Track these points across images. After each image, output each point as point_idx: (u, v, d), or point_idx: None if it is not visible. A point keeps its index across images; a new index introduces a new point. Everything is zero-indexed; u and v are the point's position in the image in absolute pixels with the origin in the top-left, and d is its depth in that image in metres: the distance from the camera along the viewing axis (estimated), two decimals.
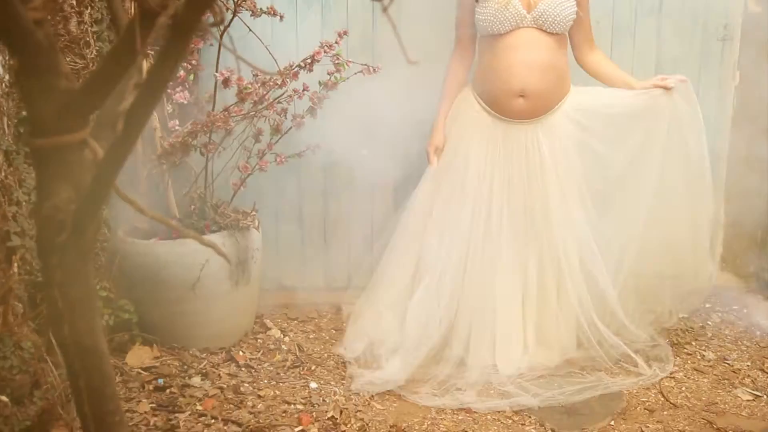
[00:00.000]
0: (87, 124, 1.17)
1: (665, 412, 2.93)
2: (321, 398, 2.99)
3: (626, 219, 3.29)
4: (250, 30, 3.10)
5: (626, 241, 3.30)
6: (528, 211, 3.22)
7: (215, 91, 3.25)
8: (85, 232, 1.20)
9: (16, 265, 2.32)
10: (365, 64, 3.34)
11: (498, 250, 3.21)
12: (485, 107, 3.21)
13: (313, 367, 3.26)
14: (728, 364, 3.30)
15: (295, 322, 3.69)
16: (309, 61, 3.24)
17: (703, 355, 3.36)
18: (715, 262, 3.89)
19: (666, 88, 3.17)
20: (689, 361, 3.31)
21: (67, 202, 1.14)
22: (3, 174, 2.35)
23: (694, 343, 3.45)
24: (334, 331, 3.61)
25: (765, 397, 3.04)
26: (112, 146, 1.04)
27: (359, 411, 2.91)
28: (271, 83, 3.21)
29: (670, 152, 3.23)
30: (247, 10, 3.14)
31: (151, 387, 2.99)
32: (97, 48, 2.86)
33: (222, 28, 2.12)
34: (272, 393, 3.01)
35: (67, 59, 2.79)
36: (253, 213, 3.41)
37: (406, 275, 3.34)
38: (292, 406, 2.93)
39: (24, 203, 2.42)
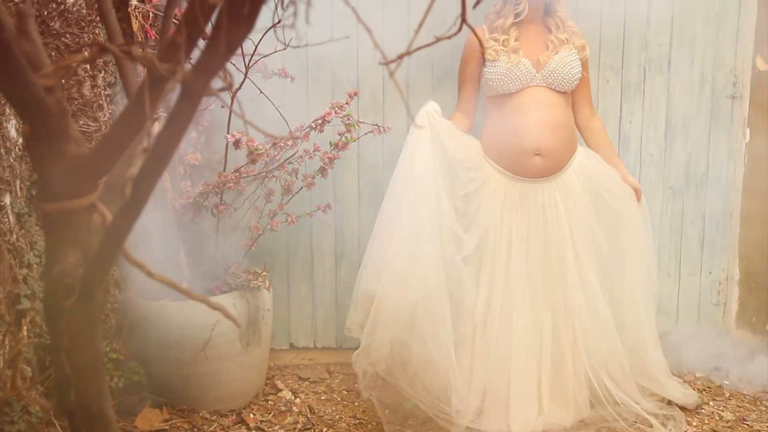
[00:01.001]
0: (96, 188, 1.17)
1: None
2: None
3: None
4: (261, 92, 3.12)
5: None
6: (545, 270, 3.19)
7: (226, 152, 3.27)
8: (93, 296, 1.19)
9: (25, 328, 2.32)
10: (375, 125, 3.36)
11: (515, 309, 3.18)
12: (498, 167, 3.20)
13: (324, 430, 3.21)
14: (747, 425, 3.23)
15: (307, 383, 3.66)
16: (320, 122, 3.26)
17: (722, 416, 3.30)
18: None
19: (635, 191, 3.34)
20: (707, 422, 3.25)
21: (75, 266, 1.13)
22: (14, 236, 2.36)
23: (711, 403, 3.39)
24: (345, 393, 3.57)
25: None
26: (120, 211, 1.03)
27: None
28: (281, 144, 3.22)
29: (634, 241, 3.34)
30: (258, 71, 3.18)
31: None
32: (110, 111, 2.89)
33: (232, 91, 2.14)
34: None
35: (80, 122, 2.82)
36: (264, 273, 3.40)
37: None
38: None
39: (35, 266, 2.42)
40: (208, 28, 0.99)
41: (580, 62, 3.21)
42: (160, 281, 1.18)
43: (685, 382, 3.49)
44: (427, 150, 3.09)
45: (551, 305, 3.20)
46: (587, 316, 3.19)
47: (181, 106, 0.95)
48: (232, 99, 2.75)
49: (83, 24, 2.82)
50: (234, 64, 2.96)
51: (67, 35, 2.80)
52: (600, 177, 3.26)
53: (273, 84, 3.28)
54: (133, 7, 2.96)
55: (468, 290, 3.16)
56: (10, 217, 2.37)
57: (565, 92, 3.20)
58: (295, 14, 0.86)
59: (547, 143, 3.13)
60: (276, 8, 1.15)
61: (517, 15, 3.16)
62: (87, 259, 1.15)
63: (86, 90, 2.85)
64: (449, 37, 1.04)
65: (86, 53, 2.13)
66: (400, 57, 1.00)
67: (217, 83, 1.01)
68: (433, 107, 3.16)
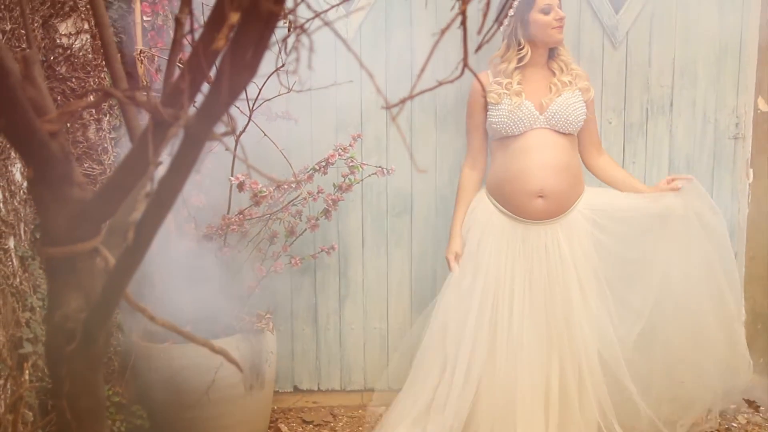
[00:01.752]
0: (99, 232, 1.17)
1: None
2: None
3: (641, 315, 3.25)
4: (265, 134, 3.14)
5: (643, 340, 3.25)
6: (549, 313, 3.18)
7: (230, 194, 3.28)
8: (95, 341, 1.18)
9: (27, 372, 2.30)
10: (379, 166, 3.37)
11: (520, 353, 3.15)
12: (502, 209, 3.20)
13: None
14: None
15: (311, 426, 3.62)
16: (323, 164, 3.27)
17: None
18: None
19: (675, 190, 3.19)
20: None
21: (77, 311, 1.13)
22: (18, 280, 2.36)
23: None
24: None
25: None
26: (122, 256, 1.03)
27: None
28: (285, 186, 3.23)
29: (690, 248, 3.21)
30: (262, 114, 3.20)
31: None
32: (115, 154, 2.91)
33: (236, 135, 2.15)
34: None
35: (85, 165, 2.83)
36: (268, 316, 3.39)
37: (434, 386, 3.27)
38: None
39: (38, 309, 2.41)
40: (213, 73, 1.00)
41: (584, 104, 3.23)
42: (162, 326, 1.17)
43: (693, 424, 3.44)
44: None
45: (557, 348, 3.18)
46: (595, 359, 3.16)
47: (184, 150, 0.95)
48: (236, 142, 2.76)
49: (89, 68, 2.85)
50: (238, 107, 2.98)
51: (73, 79, 2.83)
52: (609, 205, 3.24)
53: (277, 126, 3.30)
54: (138, 52, 2.99)
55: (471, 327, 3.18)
56: (14, 260, 2.37)
57: (569, 134, 3.21)
58: (297, 60, 0.87)
59: (551, 186, 3.13)
60: (279, 53, 1.16)
61: (520, 59, 3.19)
62: (89, 303, 1.15)
63: (91, 133, 2.87)
64: (452, 81, 1.04)
65: (91, 98, 2.15)
66: (402, 101, 1.01)
67: (220, 127, 1.01)
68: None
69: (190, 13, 1.05)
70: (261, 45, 0.89)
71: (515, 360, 3.15)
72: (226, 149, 2.98)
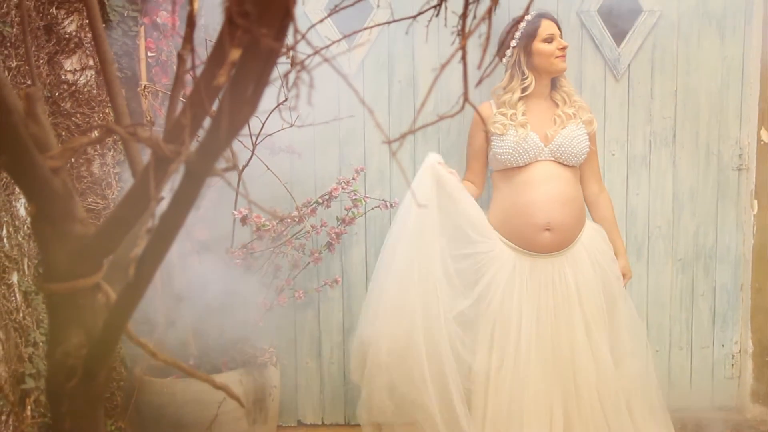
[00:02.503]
0: (100, 268, 1.17)
1: None
2: None
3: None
4: (268, 168, 3.15)
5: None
6: (555, 346, 3.15)
7: (234, 227, 3.28)
8: (96, 377, 1.18)
9: (29, 408, 2.29)
10: (382, 200, 3.37)
11: (525, 387, 3.12)
12: (507, 242, 3.19)
13: None
14: None
15: None
16: (327, 197, 3.28)
17: None
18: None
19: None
20: None
21: (78, 347, 1.13)
22: (21, 315, 2.35)
23: None
24: None
25: None
26: (123, 292, 1.03)
27: None
28: (288, 220, 3.23)
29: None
30: (266, 148, 3.21)
31: None
32: (119, 189, 2.92)
33: (238, 170, 2.16)
34: None
35: (89, 200, 2.84)
36: (271, 350, 3.37)
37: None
38: None
39: (41, 344, 2.41)
40: (215, 109, 1.00)
41: (588, 136, 3.23)
42: (163, 361, 1.17)
43: None
44: (429, 197, 3.08)
45: (562, 383, 3.15)
46: (598, 393, 3.13)
47: (185, 186, 0.95)
48: (239, 178, 2.77)
49: (93, 104, 2.87)
50: (241, 141, 2.99)
51: (78, 115, 2.84)
52: (599, 256, 3.26)
53: (280, 159, 3.31)
54: (142, 87, 3.01)
55: (459, 352, 3.13)
56: (17, 295, 2.36)
57: (573, 166, 3.21)
58: (297, 96, 0.87)
59: (557, 218, 3.13)
60: (281, 88, 1.17)
61: (524, 90, 3.20)
62: (90, 339, 1.14)
63: (95, 168, 2.88)
64: (452, 116, 1.05)
65: (95, 134, 2.16)
66: (403, 136, 1.01)
67: (222, 163, 1.02)
68: (435, 158, 3.16)
69: (192, 49, 1.05)
70: (261, 82, 0.90)
71: (521, 395, 3.12)
72: (229, 184, 2.96)
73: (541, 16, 3.22)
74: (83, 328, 1.15)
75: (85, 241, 1.14)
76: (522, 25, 3.19)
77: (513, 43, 3.21)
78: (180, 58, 1.19)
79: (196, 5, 1.23)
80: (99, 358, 1.13)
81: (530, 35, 3.19)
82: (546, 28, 3.19)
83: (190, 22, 1.10)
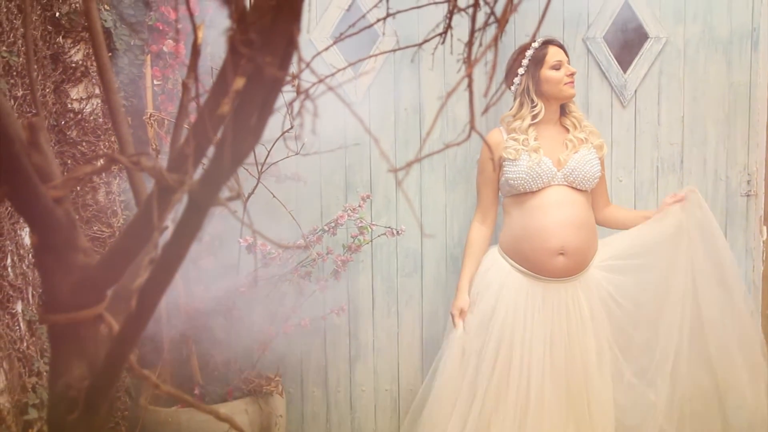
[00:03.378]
0: (103, 299, 1.16)
1: None
2: None
3: (666, 361, 3.18)
4: (274, 196, 3.14)
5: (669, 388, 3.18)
6: (569, 373, 3.12)
7: (239, 256, 3.27)
8: (98, 409, 1.16)
9: None
10: (389, 227, 3.36)
11: (540, 415, 3.09)
12: (520, 267, 3.17)
13: None
14: None
15: None
16: (333, 225, 3.27)
17: None
18: None
19: (680, 201, 3.19)
20: None
21: (79, 379, 1.11)
22: (25, 344, 2.34)
23: None
24: None
25: None
26: (126, 323, 1.02)
27: None
28: (294, 248, 3.22)
29: (699, 269, 3.17)
30: (272, 176, 3.20)
31: None
32: (124, 217, 2.91)
33: (243, 200, 2.14)
34: None
35: (94, 228, 2.83)
36: (277, 378, 3.35)
37: None
38: None
39: (45, 373, 2.39)
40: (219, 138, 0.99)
41: (599, 160, 3.22)
42: (166, 393, 1.15)
43: None
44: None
45: (576, 411, 3.11)
46: (612, 421, 3.09)
47: (188, 216, 0.94)
48: (244, 207, 2.76)
49: (99, 132, 2.87)
50: (247, 170, 2.99)
51: (83, 143, 2.85)
52: (619, 248, 3.23)
53: (287, 186, 3.30)
54: (148, 115, 3.02)
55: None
56: (21, 324, 2.35)
57: (585, 191, 3.20)
58: (301, 125, 0.86)
59: (571, 243, 3.10)
60: (285, 116, 1.16)
61: (534, 117, 3.19)
62: (93, 371, 1.13)
63: (101, 196, 2.88)
64: (458, 144, 1.03)
65: (99, 163, 2.15)
66: (409, 165, 1.00)
67: (226, 192, 1.01)
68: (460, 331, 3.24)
69: (196, 78, 1.05)
70: (265, 110, 0.89)
71: (535, 423, 3.08)
72: (235, 211, 2.96)
73: (549, 42, 3.21)
74: (85, 359, 1.13)
75: (87, 271, 1.13)
76: (529, 52, 3.19)
77: (521, 70, 3.20)
78: (184, 86, 1.18)
79: (200, 34, 1.23)
80: (101, 391, 1.12)
81: (538, 62, 3.18)
82: (554, 54, 3.19)
83: (195, 51, 1.09)
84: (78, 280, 1.12)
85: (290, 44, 0.84)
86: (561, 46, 3.24)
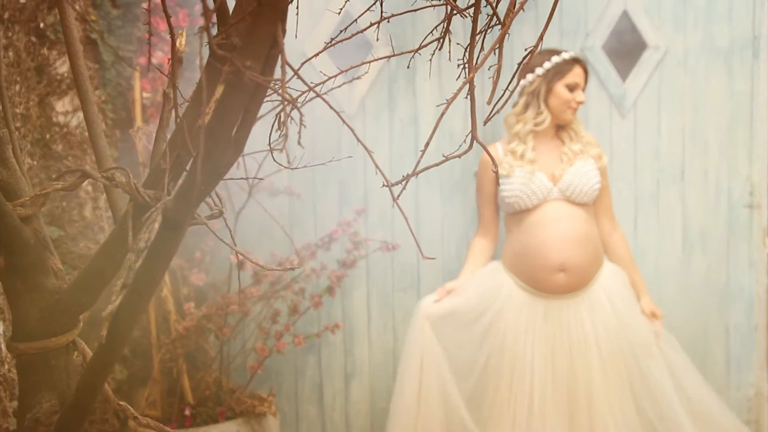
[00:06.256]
0: (76, 325, 1.07)
1: None
2: None
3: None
4: (266, 211, 3.07)
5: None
6: (571, 391, 3.04)
7: (230, 272, 3.19)
8: None
9: None
10: (384, 241, 3.29)
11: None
12: (521, 283, 3.09)
13: None
14: None
15: None
16: (327, 239, 3.19)
17: None
18: None
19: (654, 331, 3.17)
20: None
21: (49, 413, 1.02)
22: (6, 367, 2.25)
23: None
24: None
25: None
26: (96, 353, 0.93)
27: None
28: (288, 264, 3.15)
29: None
30: (264, 190, 3.13)
31: None
32: None
33: (225, 215, 2.06)
34: None
35: (81, 245, 2.75)
36: (270, 398, 3.26)
37: None
38: None
39: None
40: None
41: (598, 172, 3.14)
42: (145, 427, 1.06)
43: None
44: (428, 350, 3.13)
45: (579, 428, 3.03)
46: None
47: (162, 237, 0.86)
48: (234, 222, 2.69)
49: (85, 146, 2.79)
50: (239, 184, 2.92)
51: (69, 158, 2.76)
52: (620, 303, 3.15)
53: (280, 201, 3.24)
54: (136, 129, 2.94)
55: None
56: (2, 346, 2.26)
57: (585, 204, 3.12)
58: (285, 136, 0.78)
59: (572, 259, 3.02)
60: (272, 129, 1.08)
61: (537, 124, 3.11)
62: (63, 404, 1.04)
63: (87, 212, 2.79)
64: (459, 156, 0.96)
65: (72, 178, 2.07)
66: (406, 179, 0.92)
67: (206, 210, 0.92)
68: (426, 304, 3.15)
69: (174, 87, 0.97)
70: (247, 120, 0.81)
71: None
72: (227, 226, 2.90)
73: (577, 61, 3.12)
74: (56, 391, 1.05)
75: (58, 295, 1.04)
76: (556, 59, 3.10)
77: (539, 71, 3.11)
78: (165, 96, 1.10)
79: (182, 40, 1.15)
80: (73, 425, 1.03)
81: (558, 73, 3.10)
82: (576, 75, 3.10)
83: (174, 59, 1.01)
84: (48, 305, 1.03)
85: (274, 47, 0.75)
86: (586, 71, 3.16)
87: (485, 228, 3.27)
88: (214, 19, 0.80)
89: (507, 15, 0.79)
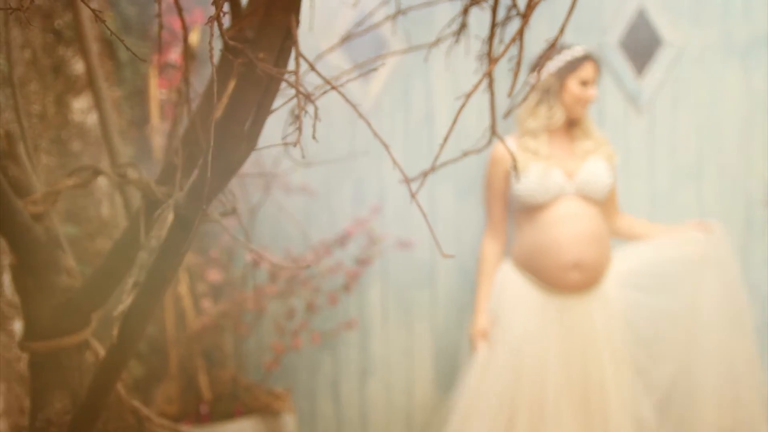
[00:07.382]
0: (88, 324, 1.06)
1: None
2: None
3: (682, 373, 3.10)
4: (282, 209, 3.06)
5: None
6: (585, 389, 3.02)
7: (247, 270, 3.19)
8: None
9: None
10: (400, 238, 3.28)
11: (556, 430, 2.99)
12: (534, 282, 3.07)
13: None
14: None
15: None
16: (343, 237, 3.19)
17: None
18: None
19: (703, 232, 3.14)
20: None
21: (61, 413, 1.01)
22: (22, 364, 2.25)
23: None
24: None
25: None
26: (109, 353, 0.92)
27: None
28: (303, 261, 3.15)
29: (714, 297, 3.11)
30: (279, 187, 3.12)
31: None
32: None
33: (240, 213, 2.05)
34: None
35: (98, 242, 2.75)
36: (286, 395, 3.26)
37: None
38: None
39: None
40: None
41: (610, 170, 3.12)
42: (159, 427, 1.05)
43: None
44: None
45: (594, 427, 3.01)
46: None
47: (174, 234, 0.84)
48: (249, 219, 2.68)
49: (102, 144, 2.78)
50: (255, 182, 2.91)
51: (86, 156, 2.76)
52: (640, 262, 3.14)
53: (295, 198, 3.23)
54: (151, 126, 2.94)
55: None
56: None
57: (597, 202, 3.09)
58: (300, 130, 0.76)
59: (586, 257, 3.00)
60: (286, 124, 1.06)
61: (549, 119, 3.09)
62: (76, 404, 1.03)
63: (104, 210, 2.79)
64: (478, 151, 0.94)
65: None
66: (424, 175, 0.90)
67: (220, 207, 0.91)
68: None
69: (187, 82, 0.95)
70: (261, 114, 0.79)
71: None
72: (226, 230, 2.88)
73: (589, 57, 3.10)
74: (68, 391, 1.03)
75: (70, 294, 1.03)
76: (567, 54, 3.08)
77: (551, 66, 3.09)
78: (179, 92, 1.09)
79: (195, 37, 1.14)
80: (85, 425, 1.02)
81: (570, 67, 3.07)
82: (588, 70, 3.08)
83: (186, 54, 1.00)
84: (60, 304, 1.02)
85: (287, 38, 0.74)
86: (599, 67, 3.13)
87: (494, 227, 3.25)
88: (227, 8, 0.79)
89: (529, 4, 0.77)
